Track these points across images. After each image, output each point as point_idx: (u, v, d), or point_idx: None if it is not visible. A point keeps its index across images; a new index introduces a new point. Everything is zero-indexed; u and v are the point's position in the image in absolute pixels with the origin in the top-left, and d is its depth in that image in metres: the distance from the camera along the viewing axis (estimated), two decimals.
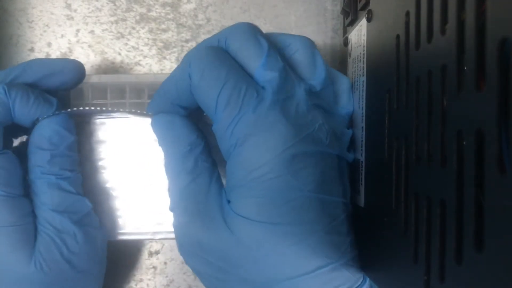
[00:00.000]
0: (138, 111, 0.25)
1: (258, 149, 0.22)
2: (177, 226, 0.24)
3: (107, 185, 0.28)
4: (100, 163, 0.28)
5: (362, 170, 0.25)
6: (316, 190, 0.22)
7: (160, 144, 0.25)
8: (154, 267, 0.32)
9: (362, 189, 0.25)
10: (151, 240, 0.31)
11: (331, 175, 0.23)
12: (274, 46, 0.24)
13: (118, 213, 0.28)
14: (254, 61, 0.23)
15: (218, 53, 0.23)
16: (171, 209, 0.24)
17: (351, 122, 0.26)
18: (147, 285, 0.32)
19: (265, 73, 0.22)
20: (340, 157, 0.24)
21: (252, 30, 0.23)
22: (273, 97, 0.22)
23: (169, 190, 0.24)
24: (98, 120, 0.28)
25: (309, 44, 0.25)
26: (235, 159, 0.22)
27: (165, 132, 0.25)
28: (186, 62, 0.23)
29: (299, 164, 0.22)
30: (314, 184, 0.22)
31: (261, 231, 0.22)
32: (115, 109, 0.25)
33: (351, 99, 0.26)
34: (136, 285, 0.32)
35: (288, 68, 0.23)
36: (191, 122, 0.25)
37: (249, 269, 0.22)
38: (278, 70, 0.22)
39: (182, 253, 0.24)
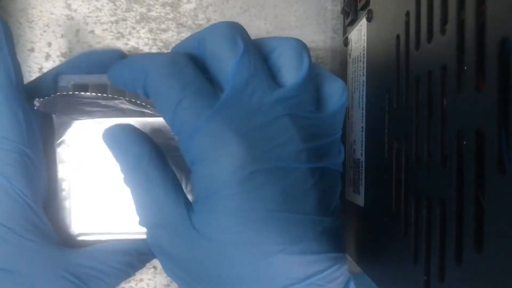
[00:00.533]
0: (138, 102, 0.25)
1: (211, 168, 0.21)
2: (149, 242, 0.24)
3: (108, 185, 0.28)
4: (98, 163, 0.28)
5: (362, 170, 0.25)
6: (278, 209, 0.21)
7: (114, 159, 0.24)
8: (154, 267, 0.32)
9: (362, 189, 0.25)
10: None
11: (298, 191, 0.21)
12: (257, 50, 0.22)
13: (119, 213, 0.28)
14: (225, 65, 0.21)
15: (177, 65, 0.22)
16: (140, 224, 0.24)
17: (345, 126, 0.26)
18: (147, 285, 0.32)
19: (232, 79, 0.21)
20: (314, 169, 0.22)
21: (230, 31, 0.22)
22: (231, 111, 0.21)
23: (134, 204, 0.24)
24: (89, 120, 0.28)
25: (298, 46, 0.23)
26: (192, 176, 0.22)
27: (111, 147, 0.24)
28: (143, 70, 0.22)
29: (256, 182, 0.20)
30: (275, 202, 0.21)
31: (218, 250, 0.21)
32: (115, 96, 0.25)
33: (343, 102, 0.23)
34: (136, 285, 0.32)
35: (263, 74, 0.22)
36: (135, 131, 0.24)
37: (211, 286, 0.22)
38: (246, 77, 0.21)
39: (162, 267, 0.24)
